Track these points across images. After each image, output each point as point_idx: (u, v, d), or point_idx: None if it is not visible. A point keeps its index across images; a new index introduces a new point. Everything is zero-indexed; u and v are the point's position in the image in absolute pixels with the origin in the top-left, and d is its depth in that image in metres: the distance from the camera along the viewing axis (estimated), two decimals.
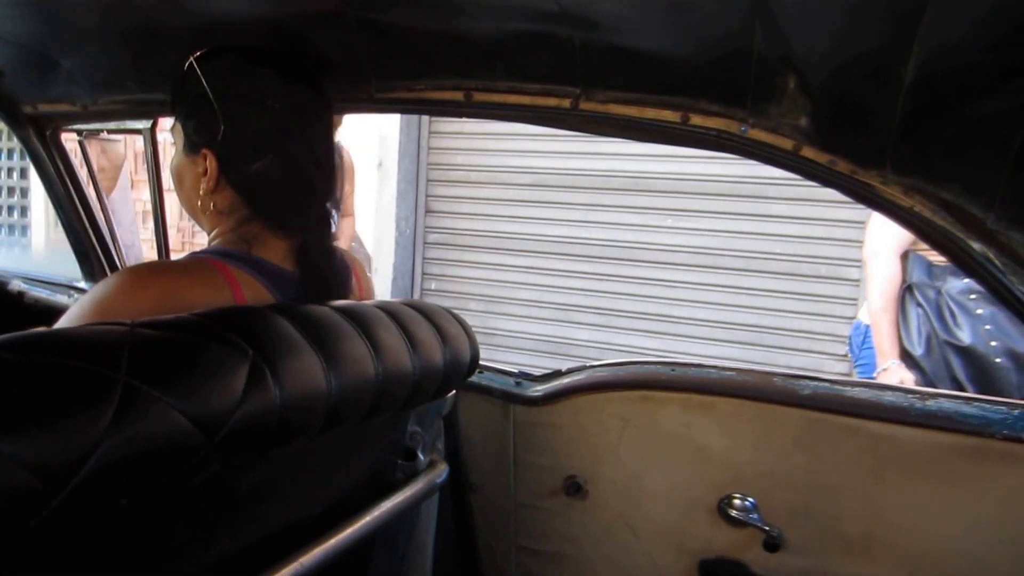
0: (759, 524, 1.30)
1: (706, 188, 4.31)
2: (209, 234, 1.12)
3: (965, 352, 2.13)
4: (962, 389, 2.12)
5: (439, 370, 1.09)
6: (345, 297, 1.16)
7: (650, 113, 1.12)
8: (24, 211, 5.24)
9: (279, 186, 1.08)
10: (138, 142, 1.75)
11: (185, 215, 4.90)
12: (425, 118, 4.81)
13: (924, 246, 2.19)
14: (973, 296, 2.13)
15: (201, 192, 1.08)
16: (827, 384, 1.25)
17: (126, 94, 1.56)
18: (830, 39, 0.90)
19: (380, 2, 1.09)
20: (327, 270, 1.11)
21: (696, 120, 1.10)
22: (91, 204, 1.92)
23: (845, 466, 1.24)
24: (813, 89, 0.98)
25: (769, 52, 0.95)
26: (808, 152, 1.05)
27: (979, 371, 2.11)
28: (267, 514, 0.96)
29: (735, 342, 4.34)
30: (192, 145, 1.09)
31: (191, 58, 1.08)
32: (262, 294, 1.03)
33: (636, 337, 4.53)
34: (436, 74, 1.24)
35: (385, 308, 1.06)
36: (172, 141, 1.15)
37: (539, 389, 1.46)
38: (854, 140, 1.01)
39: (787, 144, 1.05)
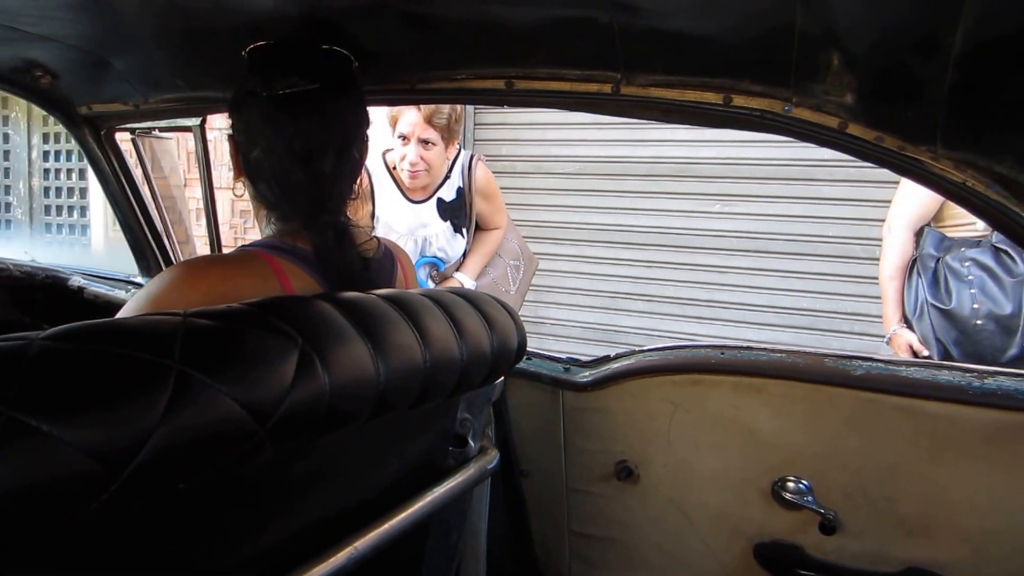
0: (814, 507, 1.29)
1: (754, 172, 4.24)
2: (262, 227, 1.16)
3: (948, 314, 2.34)
4: (945, 350, 2.34)
5: (487, 357, 1.10)
6: (391, 285, 1.18)
7: (692, 96, 1.11)
8: (84, 211, 5.40)
9: (279, 179, 1.10)
10: (190, 140, 1.79)
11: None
12: (470, 110, 4.82)
13: (943, 222, 2.41)
14: (967, 263, 2.32)
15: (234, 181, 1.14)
16: (881, 364, 1.23)
17: (176, 92, 1.60)
18: (874, 11, 0.88)
19: None
20: (349, 268, 1.11)
21: (739, 101, 1.09)
22: (146, 201, 1.97)
23: (901, 447, 1.22)
24: (858, 64, 0.96)
25: (811, 28, 0.93)
26: (854, 129, 1.03)
27: (961, 333, 2.32)
28: (321, 499, 0.98)
29: (787, 327, 4.28)
30: (231, 138, 1.16)
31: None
32: (309, 284, 1.05)
33: (686, 323, 4.50)
34: (477, 63, 1.24)
35: (431, 296, 1.07)
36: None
37: (588, 374, 1.46)
38: (902, 115, 0.99)
39: (832, 122, 1.04)
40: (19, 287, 2.02)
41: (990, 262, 2.29)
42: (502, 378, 1.33)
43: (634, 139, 4.44)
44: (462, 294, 1.15)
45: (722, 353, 1.34)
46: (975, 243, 2.33)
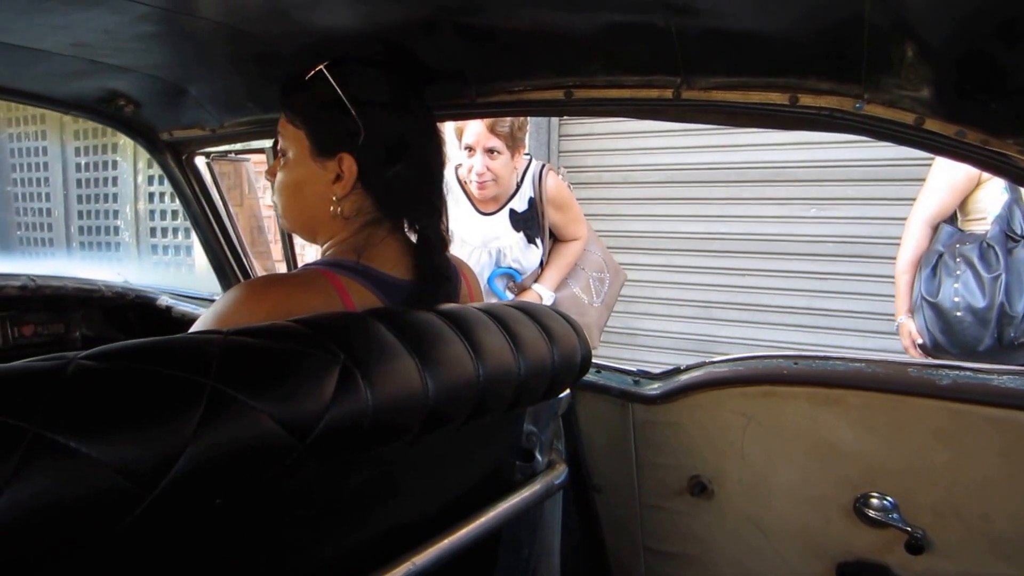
0: (900, 524, 1.21)
1: (852, 174, 4.06)
2: (323, 245, 1.17)
3: (935, 307, 2.51)
4: (935, 340, 2.52)
5: (547, 369, 1.08)
6: (455, 300, 1.17)
7: (756, 97, 1.07)
8: (188, 232, 5.66)
9: (413, 188, 1.13)
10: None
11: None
12: (554, 121, 4.81)
13: (969, 216, 2.53)
14: (958, 259, 2.48)
15: (334, 197, 1.11)
16: (969, 373, 1.15)
17: (248, 115, 1.65)
18: None
19: (474, 6, 1.10)
20: (441, 272, 1.15)
21: (806, 100, 1.04)
22: (224, 222, 2.04)
23: (994, 461, 1.14)
24: (934, 55, 0.90)
25: (881, 19, 0.88)
26: (933, 125, 0.96)
27: (945, 324, 2.49)
28: (378, 514, 0.98)
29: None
30: (324, 151, 1.11)
31: (319, 66, 1.11)
32: (370, 300, 1.06)
33: (784, 332, 4.34)
34: (535, 74, 1.23)
35: (487, 310, 1.06)
36: (281, 155, 1.18)
37: (657, 387, 1.42)
38: (984, 107, 0.92)
39: (908, 118, 0.98)
40: (112, 307, 2.12)
41: (975, 258, 2.43)
42: (568, 391, 1.30)
43: (723, 144, 4.33)
44: (522, 307, 1.14)
45: (795, 363, 1.28)
46: (976, 239, 2.47)
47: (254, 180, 2.17)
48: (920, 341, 2.58)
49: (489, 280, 2.43)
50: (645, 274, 4.60)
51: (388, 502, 1.00)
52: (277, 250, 2.22)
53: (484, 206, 2.40)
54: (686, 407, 1.39)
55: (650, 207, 4.64)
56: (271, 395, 0.69)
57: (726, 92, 1.09)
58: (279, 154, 1.17)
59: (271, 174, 1.19)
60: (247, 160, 2.03)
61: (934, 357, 2.53)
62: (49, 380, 0.59)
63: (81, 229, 6.65)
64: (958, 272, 2.47)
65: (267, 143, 1.77)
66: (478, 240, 2.38)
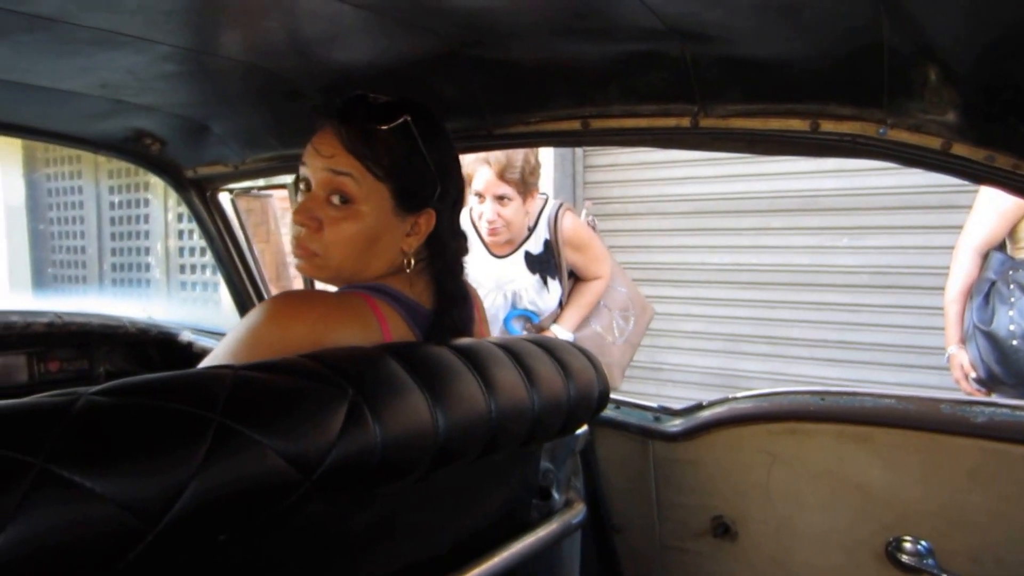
0: (935, 571, 1.15)
1: (884, 202, 3.98)
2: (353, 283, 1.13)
3: (989, 336, 2.41)
4: (990, 371, 2.40)
5: (562, 405, 1.06)
6: (472, 323, 1.16)
7: (776, 124, 1.05)
8: (215, 269, 5.73)
9: (456, 234, 1.14)
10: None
11: None
12: (579, 152, 4.81)
13: (1019, 243, 2.43)
14: (1012, 285, 2.39)
15: (407, 249, 1.09)
16: (1006, 410, 1.10)
17: (269, 151, 1.66)
18: (970, 17, 0.80)
19: (490, 39, 1.10)
20: (460, 296, 1.14)
21: (828, 126, 1.01)
22: (247, 258, 2.05)
23: None
24: (959, 78, 0.87)
25: (901, 43, 0.86)
26: (961, 149, 0.93)
27: (1000, 353, 2.38)
28: (388, 553, 0.95)
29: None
30: (409, 206, 1.07)
31: (402, 118, 1.03)
32: (404, 330, 1.04)
33: (814, 366, 4.24)
34: (551, 105, 1.23)
35: (502, 344, 1.04)
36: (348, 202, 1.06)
37: (678, 423, 1.38)
38: (1014, 130, 0.89)
39: (934, 143, 0.95)
40: (136, 342, 2.14)
41: None
42: (586, 427, 1.27)
43: (751, 173, 4.28)
44: (538, 342, 1.12)
45: (822, 399, 1.24)
46: None
47: (280, 217, 2.18)
48: (974, 374, 2.48)
49: (505, 321, 2.39)
50: (671, 306, 4.54)
51: (398, 540, 0.97)
52: (297, 285, 2.22)
53: (498, 249, 2.37)
54: (708, 444, 1.35)
55: (677, 238, 4.59)
56: (277, 430, 0.69)
57: (745, 120, 1.07)
58: (333, 197, 1.05)
59: (313, 219, 1.06)
60: (271, 196, 2.04)
61: (989, 389, 2.45)
62: (57, 416, 0.59)
63: (114, 266, 6.77)
64: (1012, 299, 2.38)
65: (288, 178, 1.78)
66: (492, 283, 2.36)
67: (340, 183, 1.04)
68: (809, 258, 4.20)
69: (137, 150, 1.83)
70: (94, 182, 6.71)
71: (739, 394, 1.35)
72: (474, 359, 0.95)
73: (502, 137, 1.33)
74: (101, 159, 6.11)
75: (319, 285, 1.21)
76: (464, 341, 1.02)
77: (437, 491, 0.99)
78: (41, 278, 7.24)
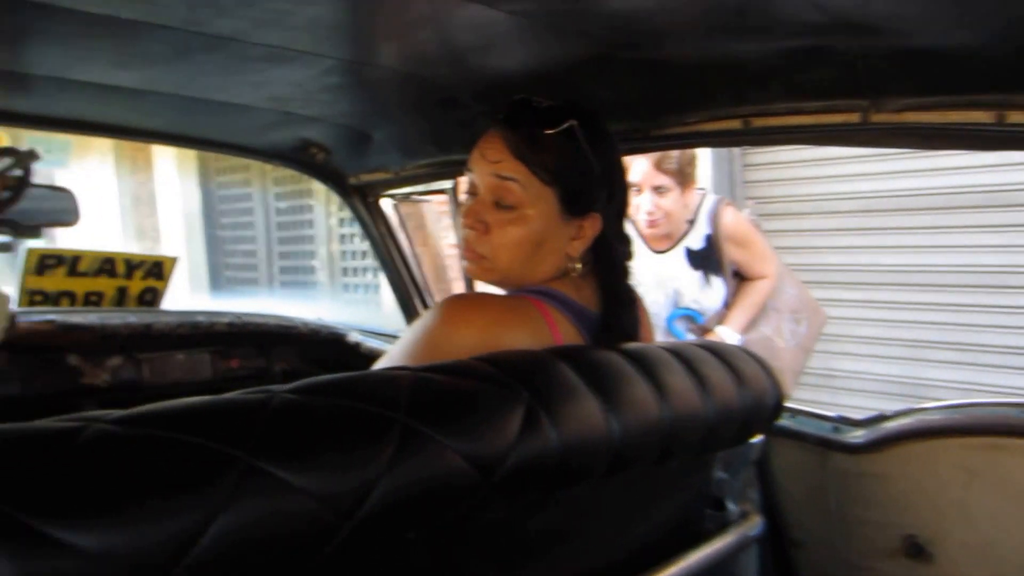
0: None
1: None
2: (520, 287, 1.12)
3: None
4: None
5: (736, 413, 1.02)
6: (638, 328, 1.13)
7: (955, 117, 0.96)
8: (376, 272, 5.96)
9: (621, 237, 1.12)
10: None
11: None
12: (736, 151, 4.63)
13: None
14: None
15: (573, 254, 1.08)
16: None
17: (428, 158, 1.70)
18: None
19: (644, 41, 1.07)
20: (628, 299, 1.12)
21: (1015, 118, 0.92)
22: (409, 261, 2.10)
23: None
24: None
25: None
26: None
27: None
28: (564, 557, 0.95)
29: None
30: (575, 210, 1.06)
31: (568, 122, 1.03)
32: (573, 334, 1.04)
33: (1009, 375, 3.84)
34: (711, 104, 1.19)
35: (672, 349, 1.01)
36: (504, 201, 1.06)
37: (860, 435, 1.28)
38: None
39: None
40: (307, 342, 2.24)
41: None
42: (762, 437, 1.21)
43: (926, 168, 3.93)
44: (708, 346, 1.08)
45: None
46: None
47: (436, 221, 2.23)
48: None
49: (668, 321, 2.32)
50: (843, 310, 4.24)
51: (572, 547, 0.97)
52: (457, 288, 2.25)
53: (656, 244, 2.30)
54: (895, 458, 1.25)
55: (847, 238, 4.30)
56: (458, 432, 0.70)
57: (920, 113, 0.99)
58: (500, 201, 1.05)
59: (480, 222, 1.07)
60: (429, 201, 2.09)
61: None
62: (257, 412, 0.62)
63: (281, 269, 7.18)
64: None
65: (447, 184, 1.81)
66: (652, 280, 2.29)
67: (506, 188, 1.04)
68: (999, 258, 3.81)
69: (304, 159, 1.92)
70: (262, 190, 7.14)
71: (928, 405, 1.24)
72: (645, 364, 0.93)
73: (660, 138, 1.31)
74: (268, 168, 6.49)
75: (480, 287, 1.21)
76: (634, 345, 1.00)
77: (611, 498, 0.98)
78: (217, 281, 7.79)
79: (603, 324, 1.07)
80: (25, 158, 1.53)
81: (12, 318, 1.66)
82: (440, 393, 0.74)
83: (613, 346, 0.98)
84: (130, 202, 7.75)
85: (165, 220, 7.82)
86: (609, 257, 1.10)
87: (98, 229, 7.14)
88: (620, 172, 1.12)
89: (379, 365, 1.03)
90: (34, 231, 1.67)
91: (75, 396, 1.85)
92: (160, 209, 7.82)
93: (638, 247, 2.17)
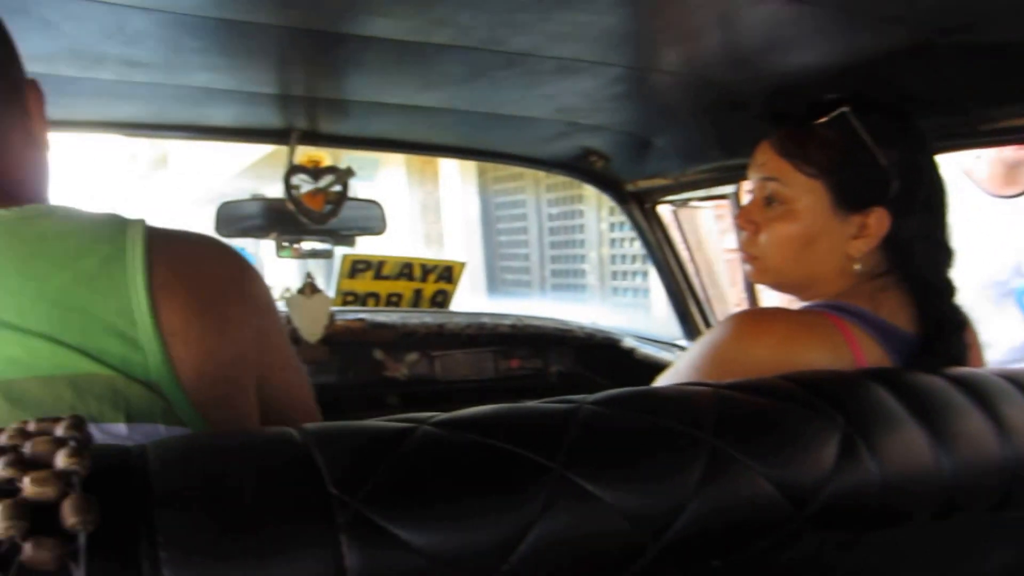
0: None
1: None
2: (810, 300, 1.07)
3: None
4: None
5: None
6: (966, 355, 1.01)
7: None
8: (645, 276, 5.94)
9: (932, 236, 1.02)
10: None
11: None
12: None
13: None
14: None
15: (854, 253, 1.01)
16: None
17: (710, 162, 1.66)
18: None
19: (982, 22, 0.95)
20: (954, 322, 1.01)
21: None
22: (686, 269, 2.06)
23: None
24: None
25: None
26: None
27: None
28: None
29: None
30: (851, 204, 1.00)
31: (839, 109, 0.99)
32: (878, 356, 0.95)
33: None
34: None
35: (1012, 377, 0.88)
36: (775, 199, 1.05)
37: None
38: None
39: None
40: (582, 346, 2.28)
41: None
42: None
43: None
44: None
45: None
46: None
47: (711, 227, 2.17)
48: None
49: (1019, 295, 1.81)
50: None
51: None
52: (722, 294, 2.18)
53: (1003, 185, 1.77)
54: None
55: None
56: (767, 457, 0.66)
57: None
58: (769, 201, 1.04)
59: (750, 222, 1.07)
60: (705, 207, 2.04)
61: None
62: (566, 422, 0.62)
63: (553, 272, 7.40)
64: None
65: (727, 189, 1.76)
66: (988, 236, 1.78)
67: (770, 188, 1.03)
68: None
69: (583, 167, 1.95)
70: (535, 196, 7.40)
71: None
72: (978, 393, 0.81)
73: (990, 134, 1.16)
74: (540, 174, 6.72)
75: (767, 296, 1.15)
76: (962, 371, 0.88)
77: (933, 544, 0.87)
78: (494, 283, 8.21)
79: (923, 348, 0.97)
80: (344, 175, 1.72)
81: (331, 316, 1.87)
82: (746, 413, 0.70)
83: (935, 370, 0.87)
84: (419, 210, 8.40)
85: (448, 226, 8.38)
86: (910, 263, 1.00)
87: (392, 235, 7.83)
88: (923, 166, 1.01)
89: (664, 379, 1.01)
90: (349, 240, 1.87)
91: (379, 387, 2.04)
92: (444, 216, 8.40)
93: (971, 196, 1.80)
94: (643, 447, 0.63)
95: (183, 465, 0.51)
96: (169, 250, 0.72)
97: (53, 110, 1.44)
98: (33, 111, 0.81)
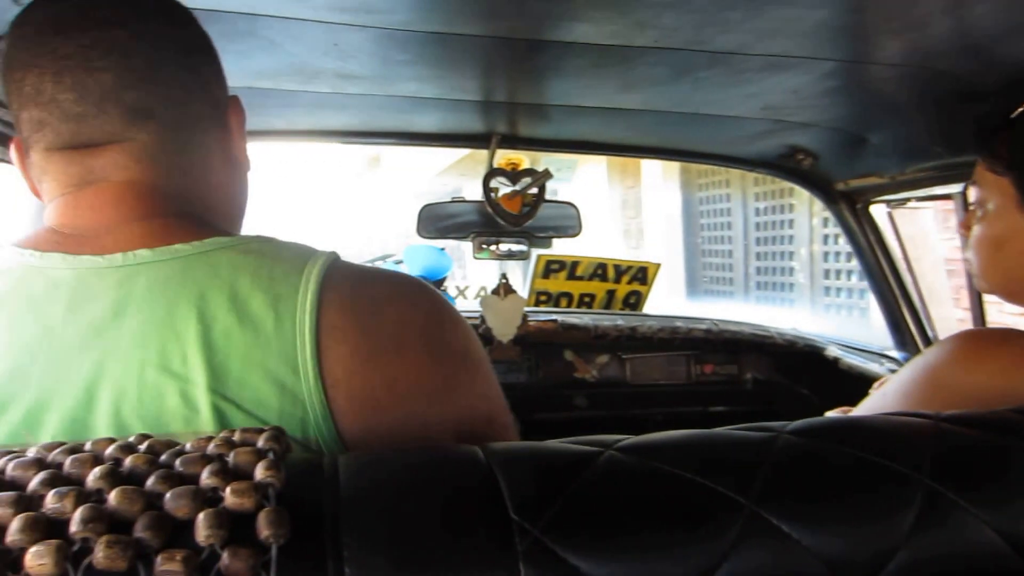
0: None
1: None
2: None
3: None
4: None
5: None
6: None
7: None
8: (861, 275, 5.52)
9: None
10: None
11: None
12: None
13: None
14: None
15: None
16: None
17: (933, 160, 1.53)
18: None
19: None
20: None
21: None
22: (902, 275, 1.92)
23: None
24: None
25: None
26: None
27: None
28: None
29: None
30: None
31: None
32: None
33: None
34: None
35: None
36: (974, 201, 1.01)
37: None
38: None
39: None
40: (781, 353, 2.19)
41: None
42: None
43: None
44: None
45: None
46: None
47: (931, 230, 1.99)
48: None
49: None
50: None
51: None
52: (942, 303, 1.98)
53: None
54: None
55: None
56: (995, 504, 0.59)
57: None
58: (975, 205, 1.00)
59: (965, 227, 1.02)
60: (927, 208, 1.88)
61: None
62: (761, 454, 0.58)
63: (758, 270, 7.11)
64: None
65: (954, 189, 1.60)
66: None
67: (973, 189, 0.98)
68: None
69: (789, 166, 1.86)
70: (741, 192, 7.15)
71: None
72: None
73: None
74: (748, 174, 6.47)
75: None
76: None
77: None
78: (694, 284, 8.03)
79: None
80: (541, 177, 1.74)
81: (524, 317, 1.92)
82: (970, 451, 0.62)
83: None
84: (618, 205, 8.40)
85: (648, 223, 8.30)
86: None
87: (591, 230, 7.88)
88: None
89: (870, 402, 0.94)
90: (545, 241, 1.90)
91: (568, 387, 2.06)
92: (644, 212, 8.32)
93: None
94: (847, 485, 0.58)
95: (370, 482, 0.53)
96: (344, 289, 0.65)
97: (275, 121, 1.62)
98: (234, 129, 0.77)
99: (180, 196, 0.70)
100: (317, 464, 0.53)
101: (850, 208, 1.92)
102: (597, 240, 7.56)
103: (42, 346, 0.60)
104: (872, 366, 1.95)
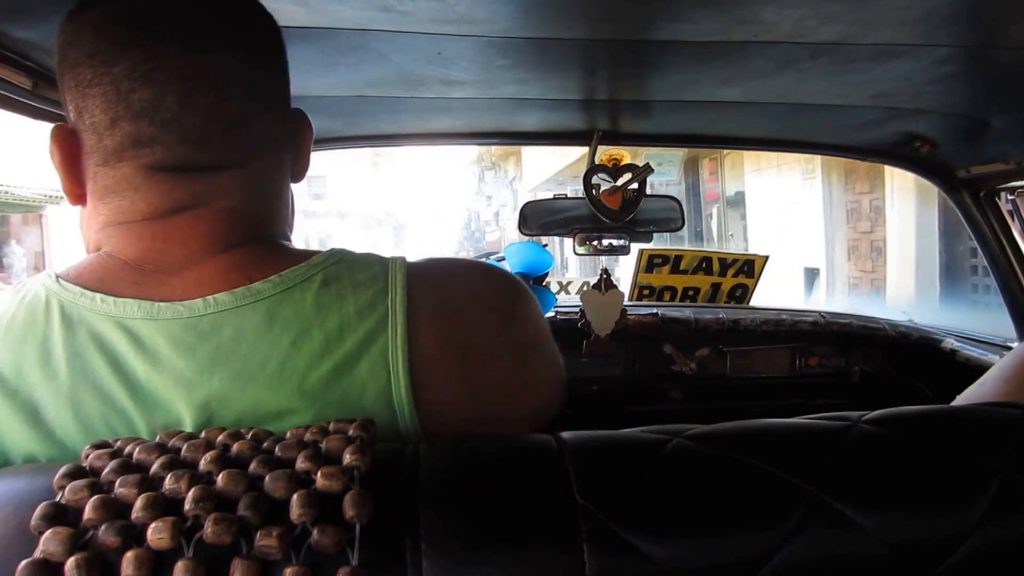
0: None
1: None
2: None
3: None
4: None
5: None
6: None
7: None
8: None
9: None
10: None
11: None
12: None
13: None
14: None
15: None
16: None
17: None
18: None
19: None
20: None
21: None
22: None
23: None
24: None
25: None
26: None
27: None
28: None
29: None
30: None
31: None
32: None
33: None
34: None
35: None
36: None
37: None
38: None
39: None
40: (892, 345, 2.11)
41: None
42: None
43: None
44: None
45: None
46: None
47: None
48: None
49: None
50: None
51: None
52: None
53: None
54: None
55: None
56: None
57: None
58: None
59: None
60: None
61: None
62: (833, 443, 0.59)
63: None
64: None
65: None
66: None
67: None
68: None
69: (905, 153, 1.80)
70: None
71: None
72: None
73: None
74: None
75: None
76: None
77: None
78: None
79: None
80: (642, 172, 1.74)
81: (624, 311, 1.92)
82: None
83: None
84: (841, 215, 7.97)
85: (893, 236, 7.67)
86: None
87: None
88: None
89: (972, 392, 0.91)
90: (646, 236, 1.89)
91: (664, 381, 2.04)
92: (889, 224, 7.62)
93: None
94: (920, 473, 0.58)
95: (449, 468, 0.56)
96: (429, 310, 0.65)
97: (385, 126, 1.68)
98: (303, 144, 0.75)
99: (262, 217, 0.69)
100: (400, 452, 0.57)
101: (973, 196, 1.85)
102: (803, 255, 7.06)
103: (124, 401, 0.60)
104: (993, 358, 1.86)
